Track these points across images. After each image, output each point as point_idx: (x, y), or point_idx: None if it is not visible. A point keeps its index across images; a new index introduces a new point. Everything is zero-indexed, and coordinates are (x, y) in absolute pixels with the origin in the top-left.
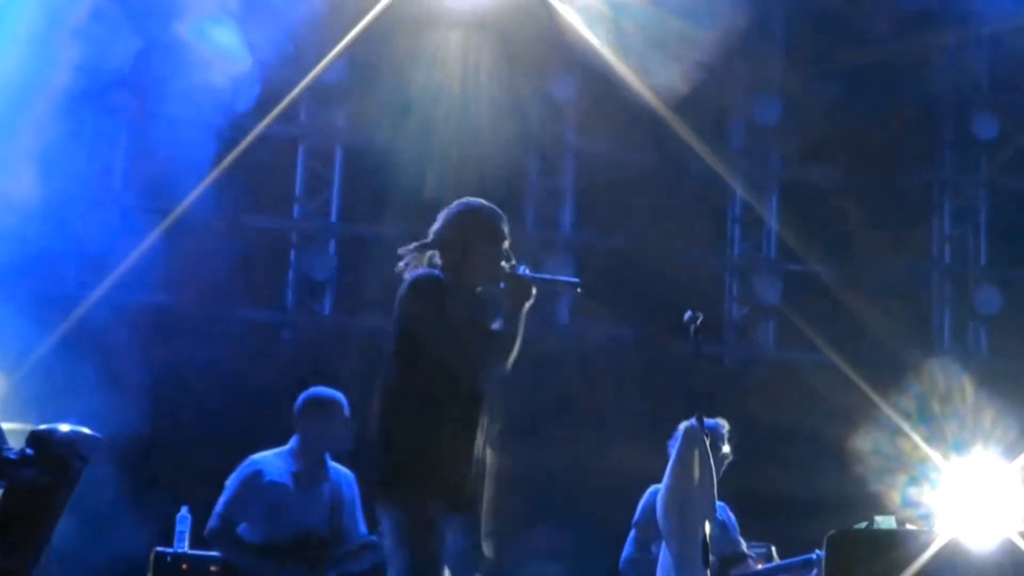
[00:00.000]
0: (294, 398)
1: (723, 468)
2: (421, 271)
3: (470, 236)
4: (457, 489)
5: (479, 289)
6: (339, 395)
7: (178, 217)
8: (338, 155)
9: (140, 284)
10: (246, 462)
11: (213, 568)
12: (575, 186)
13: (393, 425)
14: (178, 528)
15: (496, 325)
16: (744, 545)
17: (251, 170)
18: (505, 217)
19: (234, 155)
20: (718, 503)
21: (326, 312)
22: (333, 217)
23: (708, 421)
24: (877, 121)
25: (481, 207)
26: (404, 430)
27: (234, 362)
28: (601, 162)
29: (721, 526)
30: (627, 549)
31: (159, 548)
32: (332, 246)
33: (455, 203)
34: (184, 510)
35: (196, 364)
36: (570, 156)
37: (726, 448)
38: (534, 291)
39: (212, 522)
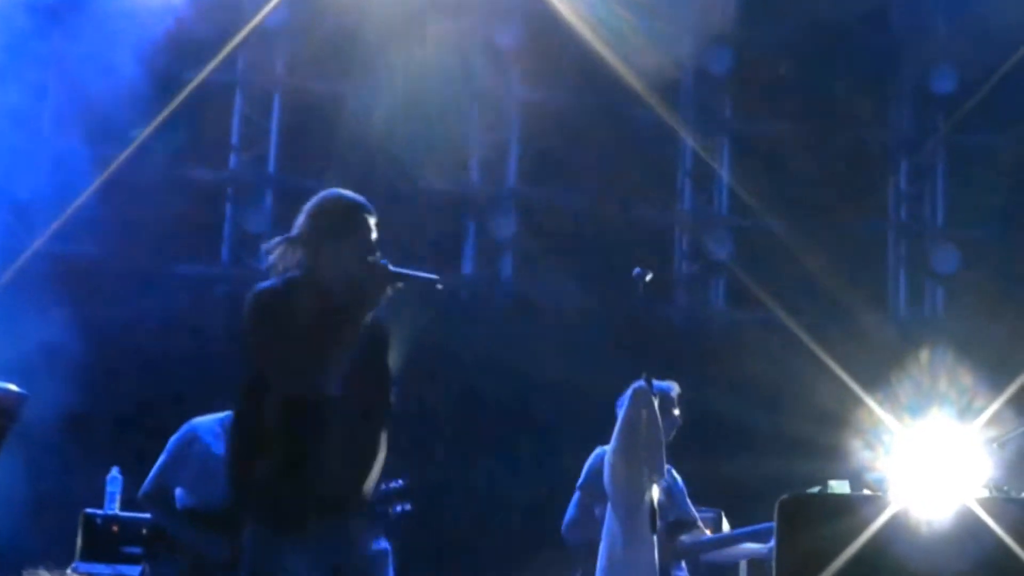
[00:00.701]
0: (227, 355)
1: (673, 432)
2: (261, 285)
3: (325, 230)
4: (291, 510)
5: (336, 284)
6: None
7: (111, 167)
8: (276, 103)
9: (71, 236)
10: (184, 426)
11: (144, 531)
12: (520, 139)
13: (232, 445)
14: (108, 489)
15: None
16: (693, 511)
17: (185, 119)
18: (370, 208)
19: (172, 106)
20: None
21: (262, 267)
22: (271, 168)
23: (659, 384)
24: (832, 74)
25: (339, 198)
26: (238, 450)
27: (167, 317)
28: (547, 114)
29: (667, 492)
30: (570, 512)
31: (88, 509)
32: (269, 198)
33: (317, 194)
34: (115, 470)
35: (128, 319)
36: (515, 107)
37: (676, 411)
38: (390, 287)
39: (145, 485)
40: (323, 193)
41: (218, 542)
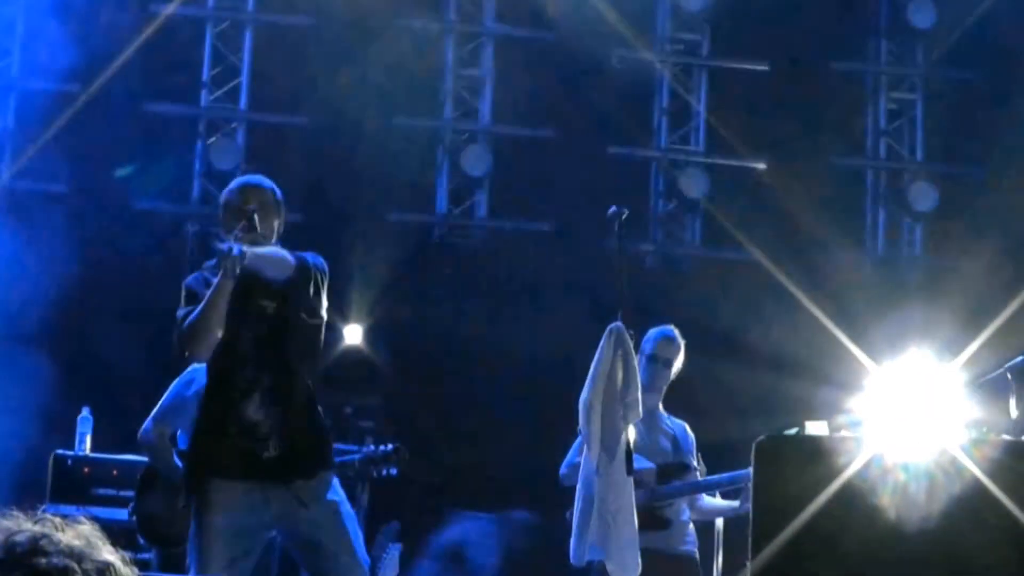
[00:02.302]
0: None
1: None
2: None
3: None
4: (224, 460)
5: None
6: None
7: (79, 103)
8: (248, 38)
9: (39, 173)
10: (187, 369)
11: (115, 472)
12: (495, 75)
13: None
14: (79, 430)
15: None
16: (695, 463)
17: (155, 54)
18: (238, 189)
19: (141, 40)
20: (677, 421)
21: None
22: (242, 105)
23: (668, 330)
24: (810, 7)
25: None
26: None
27: (136, 257)
28: (522, 49)
29: (672, 439)
30: (570, 455)
31: (59, 451)
32: (241, 135)
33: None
34: (85, 411)
35: (96, 258)
36: (489, 44)
37: (678, 362)
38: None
39: (144, 426)
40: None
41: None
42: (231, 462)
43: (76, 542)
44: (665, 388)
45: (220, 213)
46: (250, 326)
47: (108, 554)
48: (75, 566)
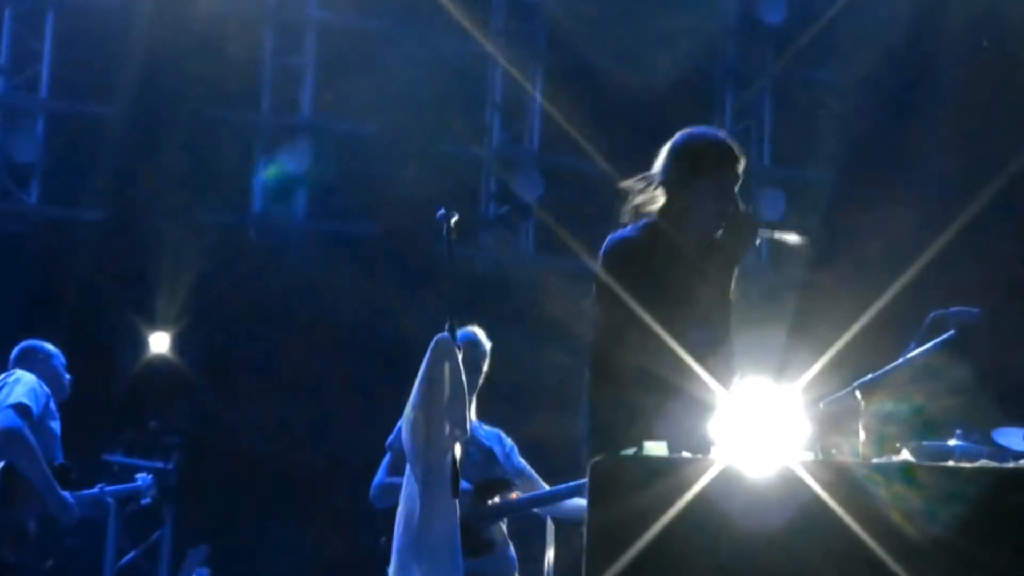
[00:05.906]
0: None
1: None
2: (617, 234)
3: (689, 171)
4: None
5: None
6: (49, 350)
7: None
8: (49, 21)
9: None
10: None
11: None
12: (316, 65)
13: (596, 402)
14: None
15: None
16: (517, 470)
17: None
18: (739, 152)
19: None
20: (492, 429)
21: (32, 201)
22: (43, 93)
23: (465, 332)
24: (656, 1)
25: (704, 136)
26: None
27: None
28: (346, 38)
29: (487, 453)
30: (379, 474)
31: None
32: (41, 126)
33: (684, 132)
34: None
35: None
36: (311, 31)
37: (485, 366)
38: (755, 238)
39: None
40: (691, 131)
41: (71, 505)
42: None
43: None
44: (475, 394)
45: (689, 157)
46: None
47: None
48: None
